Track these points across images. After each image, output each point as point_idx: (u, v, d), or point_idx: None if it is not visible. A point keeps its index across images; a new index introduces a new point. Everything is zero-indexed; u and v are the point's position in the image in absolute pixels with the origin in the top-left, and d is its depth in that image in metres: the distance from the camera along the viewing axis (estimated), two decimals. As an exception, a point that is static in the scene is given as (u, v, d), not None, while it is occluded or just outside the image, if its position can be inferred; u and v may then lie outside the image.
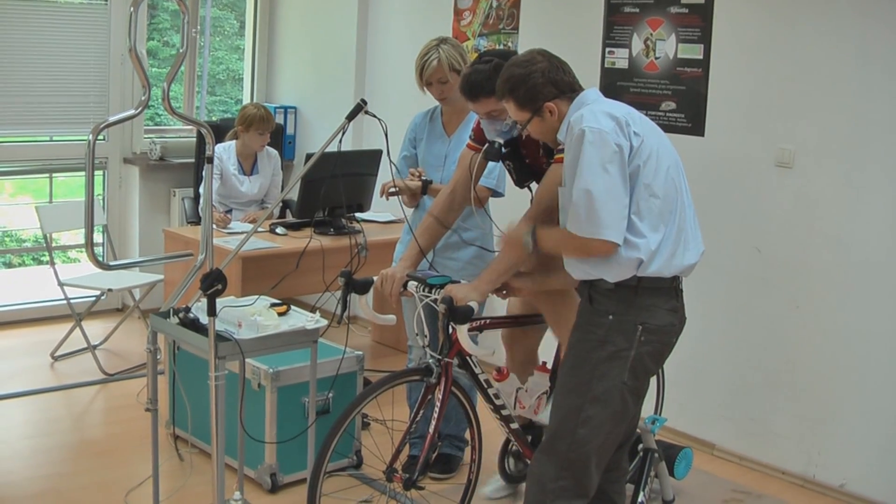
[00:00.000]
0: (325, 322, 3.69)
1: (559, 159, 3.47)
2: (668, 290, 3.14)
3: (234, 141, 5.97)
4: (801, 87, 4.55)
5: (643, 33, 5.09)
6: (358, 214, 5.69)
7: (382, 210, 5.98)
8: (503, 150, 3.65)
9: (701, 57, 4.87)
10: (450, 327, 3.46)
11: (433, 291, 3.50)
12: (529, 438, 3.96)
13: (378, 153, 5.73)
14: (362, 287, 3.66)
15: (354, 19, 6.60)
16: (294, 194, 6.40)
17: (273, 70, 7.19)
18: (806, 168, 4.54)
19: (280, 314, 3.71)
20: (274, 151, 6.14)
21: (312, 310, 3.74)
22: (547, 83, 3.16)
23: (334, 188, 5.47)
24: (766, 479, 4.68)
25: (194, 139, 6.55)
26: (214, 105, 7.97)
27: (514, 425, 3.85)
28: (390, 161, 3.73)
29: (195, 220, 6.07)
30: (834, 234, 4.46)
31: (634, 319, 3.10)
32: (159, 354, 3.74)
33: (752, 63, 4.72)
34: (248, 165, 6.02)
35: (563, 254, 3.20)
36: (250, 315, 3.58)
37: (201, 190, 5.95)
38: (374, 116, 3.60)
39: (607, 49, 5.25)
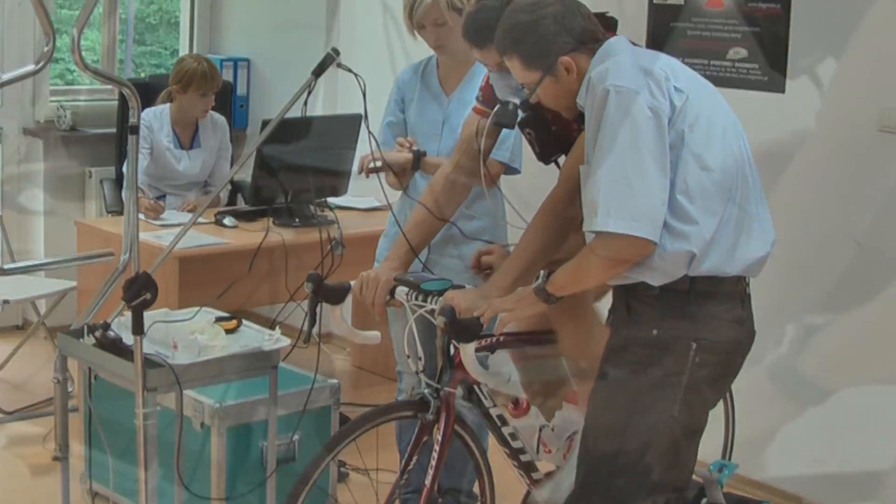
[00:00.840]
0: (287, 341, 3.68)
1: None
2: (730, 295, 3.11)
3: (167, 105, 5.96)
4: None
5: (704, -42, 5.08)
6: (330, 200, 5.67)
7: (363, 194, 5.95)
8: (520, 112, 3.64)
9: (781, -10, 4.85)
10: (451, 347, 3.44)
11: (429, 300, 3.47)
12: (558, 492, 3.95)
13: (357, 119, 5.65)
14: (336, 295, 3.65)
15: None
16: (247, 174, 6.42)
17: (218, 12, 7.16)
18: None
19: (228, 331, 3.71)
20: (221, 118, 6.12)
21: (271, 325, 3.72)
22: (561, 31, 3.12)
23: (299, 165, 5.46)
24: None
25: (116, 102, 6.51)
26: (143, 57, 7.97)
27: (537, 475, 3.83)
28: (368, 130, 3.70)
29: (117, 208, 6.07)
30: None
31: (687, 334, 3.07)
32: (71, 386, 3.74)
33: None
34: (187, 137, 6.01)
35: (590, 280, 3.16)
36: (189, 333, 3.58)
37: (125, 169, 5.93)
38: (350, 71, 3.59)
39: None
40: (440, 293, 3.46)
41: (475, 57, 3.65)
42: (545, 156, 3.85)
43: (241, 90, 7.01)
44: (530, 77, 3.18)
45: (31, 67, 3.75)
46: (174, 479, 3.72)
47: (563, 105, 3.24)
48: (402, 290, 3.57)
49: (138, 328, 3.30)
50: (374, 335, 3.79)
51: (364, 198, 6.00)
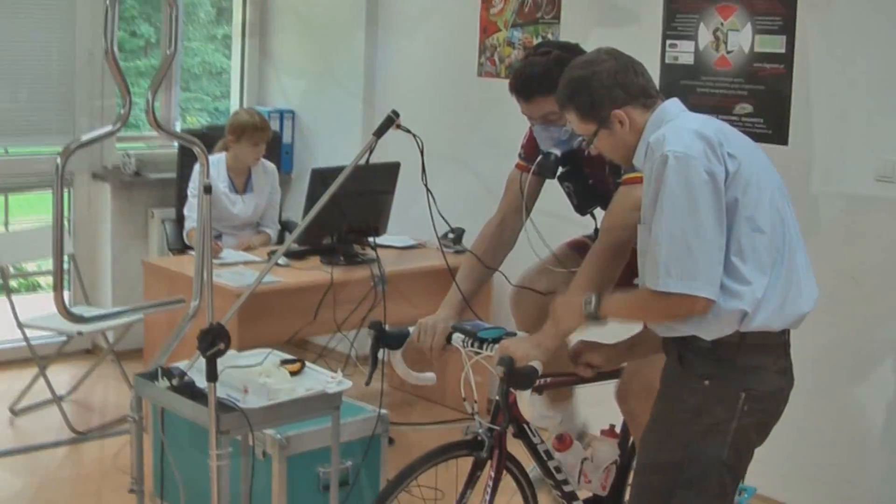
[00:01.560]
0: (349, 383, 3.38)
1: (630, 180, 3.19)
2: (776, 347, 2.83)
3: (223, 153, 5.69)
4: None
5: (712, 23, 4.80)
6: (373, 239, 5.39)
7: (399, 232, 5.67)
8: (560, 166, 3.36)
9: (783, 51, 4.58)
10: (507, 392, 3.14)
11: (485, 347, 3.19)
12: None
13: (396, 166, 5.44)
14: (396, 340, 3.36)
15: (363, 6, 6.30)
16: (292, 214, 6.15)
17: (266, 67, 6.86)
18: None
19: (293, 373, 3.42)
20: (271, 165, 5.85)
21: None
22: (615, 86, 2.87)
23: (345, 209, 5.19)
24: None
25: (175, 149, 6.23)
26: (188, 103, 7.69)
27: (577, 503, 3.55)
28: (427, 190, 3.37)
29: (179, 247, 5.77)
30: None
31: (737, 385, 2.79)
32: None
33: (845, 57, 4.42)
34: (241, 182, 5.73)
35: (643, 320, 2.94)
36: (258, 376, 3.28)
37: (186, 211, 5.64)
38: (409, 132, 3.29)
39: (668, 42, 4.96)
40: (496, 341, 3.18)
41: (522, 109, 3.36)
42: (582, 208, 3.60)
43: (286, 139, 6.70)
44: (586, 129, 2.92)
45: (108, 129, 3.49)
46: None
47: (619, 155, 2.97)
48: (458, 337, 3.29)
49: (212, 375, 3.02)
50: (429, 377, 3.49)
51: (400, 237, 5.70)
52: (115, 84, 3.45)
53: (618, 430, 3.66)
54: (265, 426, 3.22)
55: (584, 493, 3.62)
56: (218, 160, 5.65)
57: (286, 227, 6.05)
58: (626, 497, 3.74)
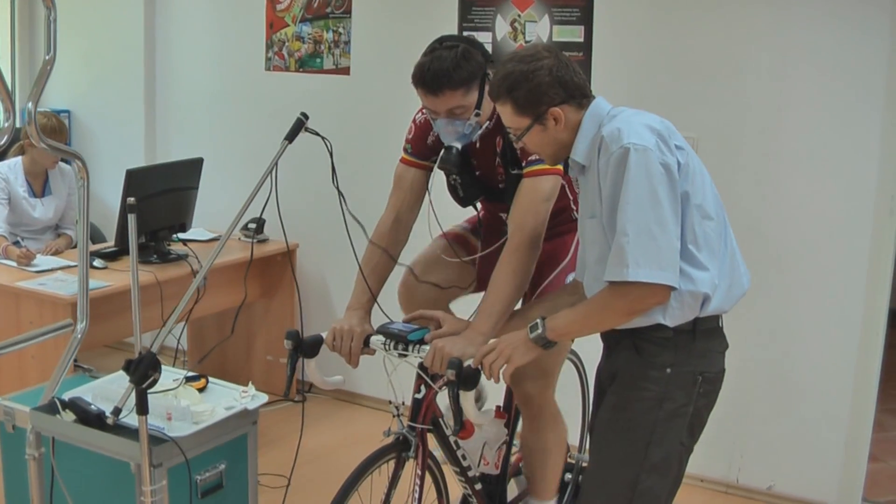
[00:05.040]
0: (264, 397, 2.92)
1: (534, 172, 2.90)
2: (719, 330, 2.65)
3: (19, 157, 4.94)
4: (701, 68, 4.18)
5: (509, 14, 4.54)
6: (179, 235, 4.84)
7: (198, 225, 5.12)
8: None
9: (581, 39, 4.38)
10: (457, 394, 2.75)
11: (411, 349, 2.81)
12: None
13: (199, 162, 4.89)
14: (312, 349, 2.91)
15: (140, 1, 5.61)
16: (93, 217, 5.44)
17: (37, 67, 6.01)
18: (711, 156, 4.14)
19: (199, 390, 2.92)
20: (67, 167, 5.14)
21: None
22: (554, 83, 2.55)
23: (156, 207, 4.62)
24: (687, 491, 4.31)
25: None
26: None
27: (479, 486, 3.25)
28: (339, 193, 2.89)
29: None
30: (753, 226, 4.11)
31: (693, 369, 2.58)
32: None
33: (642, 44, 4.30)
34: (39, 186, 5.01)
35: (602, 326, 2.61)
36: (175, 401, 2.77)
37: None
38: (318, 135, 2.83)
39: (465, 33, 4.65)
40: (421, 342, 2.81)
41: (425, 102, 2.94)
42: (467, 199, 3.25)
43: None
44: (519, 122, 2.59)
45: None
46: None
47: (547, 151, 2.65)
48: (378, 340, 2.88)
49: (143, 408, 2.51)
50: (338, 380, 3.08)
51: (197, 229, 5.13)
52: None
53: (501, 408, 3.40)
54: (195, 452, 2.70)
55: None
56: (14, 164, 4.92)
57: (91, 228, 5.33)
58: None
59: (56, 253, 4.80)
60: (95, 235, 5.34)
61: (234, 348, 5.41)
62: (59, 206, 5.05)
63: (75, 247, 5.05)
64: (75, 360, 5.19)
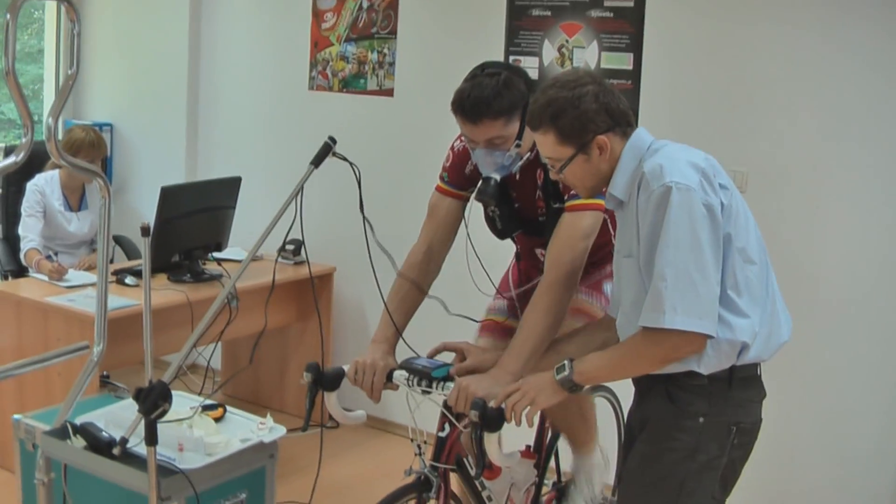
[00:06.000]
0: (283, 429, 2.80)
1: (575, 206, 2.76)
2: (757, 378, 2.48)
3: (56, 170, 4.89)
4: (754, 100, 4.02)
5: (556, 40, 4.41)
6: (215, 255, 4.75)
7: (235, 245, 5.03)
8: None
9: (630, 67, 4.25)
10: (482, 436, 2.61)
11: (435, 386, 2.68)
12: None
13: (237, 181, 4.81)
14: (333, 382, 2.78)
15: (185, 17, 5.55)
16: (125, 231, 5.39)
17: (81, 80, 5.99)
18: (762, 192, 3.99)
19: (216, 420, 2.81)
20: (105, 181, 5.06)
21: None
22: (601, 110, 2.40)
23: (190, 226, 4.55)
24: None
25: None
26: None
27: (506, 529, 3.12)
28: (364, 219, 2.77)
29: (12, 268, 4.92)
30: (797, 262, 3.94)
31: (728, 420, 2.42)
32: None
33: (693, 74, 4.15)
34: (75, 200, 4.95)
35: (632, 373, 2.46)
36: (189, 431, 2.66)
37: (21, 231, 4.79)
38: (345, 160, 2.71)
39: (511, 58, 4.54)
40: (445, 379, 2.68)
41: (464, 132, 2.80)
42: (505, 233, 3.11)
43: (104, 152, 5.87)
44: (561, 152, 2.43)
45: (12, 160, 2.75)
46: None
47: (588, 184, 2.48)
48: (401, 375, 2.75)
49: (152, 439, 2.39)
50: (360, 415, 2.93)
51: (233, 248, 5.03)
52: None
53: (532, 450, 3.26)
54: (206, 485, 2.58)
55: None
56: (51, 177, 4.86)
57: (118, 241, 5.28)
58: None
59: (90, 268, 4.72)
60: (132, 251, 5.27)
61: (267, 372, 5.32)
62: (94, 221, 4.99)
63: (111, 262, 5.00)
64: (106, 377, 5.18)
